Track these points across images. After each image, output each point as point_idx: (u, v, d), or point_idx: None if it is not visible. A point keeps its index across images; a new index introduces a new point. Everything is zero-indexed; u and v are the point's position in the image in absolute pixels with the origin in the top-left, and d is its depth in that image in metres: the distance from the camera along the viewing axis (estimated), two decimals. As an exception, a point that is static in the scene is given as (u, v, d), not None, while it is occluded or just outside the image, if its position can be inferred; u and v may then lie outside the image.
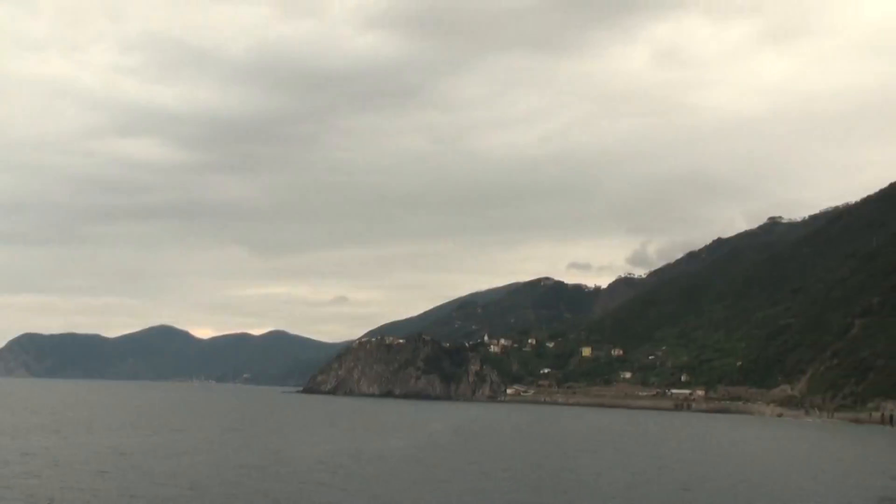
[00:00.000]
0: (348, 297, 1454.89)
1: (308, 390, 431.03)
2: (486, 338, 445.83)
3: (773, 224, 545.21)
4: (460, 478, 64.67)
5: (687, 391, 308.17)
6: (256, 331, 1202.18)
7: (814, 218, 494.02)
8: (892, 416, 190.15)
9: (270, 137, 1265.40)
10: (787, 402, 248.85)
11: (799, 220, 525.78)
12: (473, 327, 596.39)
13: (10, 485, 53.11)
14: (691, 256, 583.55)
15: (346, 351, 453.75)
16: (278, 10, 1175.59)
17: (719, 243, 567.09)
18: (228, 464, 69.99)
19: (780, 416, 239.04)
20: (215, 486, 55.36)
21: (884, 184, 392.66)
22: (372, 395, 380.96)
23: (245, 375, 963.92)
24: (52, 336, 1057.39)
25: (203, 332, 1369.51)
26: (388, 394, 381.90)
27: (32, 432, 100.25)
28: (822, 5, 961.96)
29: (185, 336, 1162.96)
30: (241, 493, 52.54)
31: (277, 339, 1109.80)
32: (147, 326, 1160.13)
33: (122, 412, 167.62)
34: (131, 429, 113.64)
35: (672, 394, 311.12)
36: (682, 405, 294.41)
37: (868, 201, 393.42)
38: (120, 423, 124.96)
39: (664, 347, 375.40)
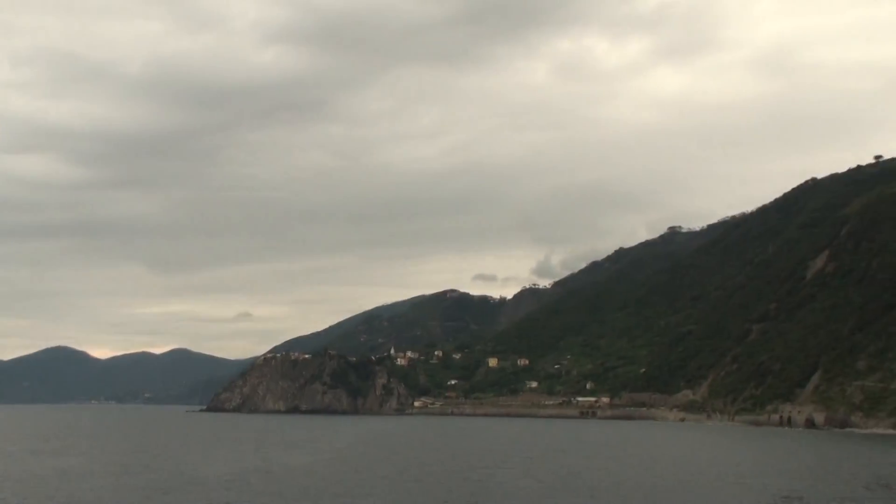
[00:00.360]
0: (252, 313, 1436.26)
1: (212, 409, 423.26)
2: (392, 351, 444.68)
3: (673, 234, 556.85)
4: (369, 492, 63.87)
5: (592, 399, 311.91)
6: (158, 349, 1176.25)
7: (712, 227, 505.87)
8: (789, 418, 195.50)
9: (170, 153, 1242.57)
10: (690, 407, 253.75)
11: (697, 229, 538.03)
12: (380, 341, 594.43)
13: None
14: (594, 266, 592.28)
15: (250, 367, 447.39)
16: (176, 24, 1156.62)
17: (621, 253, 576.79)
18: (133, 486, 67.94)
19: (682, 420, 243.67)
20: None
21: (778, 194, 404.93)
22: (278, 412, 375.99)
23: (147, 395, 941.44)
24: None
25: (102, 352, 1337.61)
26: (294, 410, 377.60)
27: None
28: (718, 22, 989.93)
29: (83, 356, 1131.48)
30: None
31: (179, 358, 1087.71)
32: (43, 347, 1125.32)
33: (19, 437, 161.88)
34: (30, 454, 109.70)
35: (578, 402, 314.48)
36: (587, 413, 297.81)
37: (763, 211, 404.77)
38: (17, 449, 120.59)
39: (569, 356, 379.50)
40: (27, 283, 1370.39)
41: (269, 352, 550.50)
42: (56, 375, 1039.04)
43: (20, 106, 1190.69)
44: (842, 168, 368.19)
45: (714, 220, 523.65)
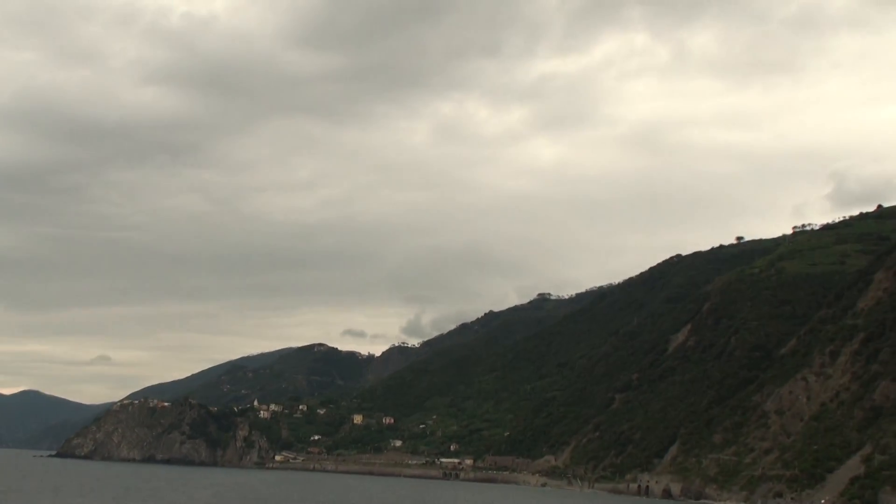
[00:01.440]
0: (111, 357, 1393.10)
1: (62, 454, 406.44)
2: (255, 403, 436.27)
3: (543, 300, 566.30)
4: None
5: (456, 460, 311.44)
6: (6, 390, 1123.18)
7: (580, 296, 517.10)
8: (647, 487, 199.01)
9: (37, 186, 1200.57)
10: (552, 473, 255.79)
11: (566, 297, 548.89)
12: (243, 392, 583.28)
13: None
14: (464, 328, 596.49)
15: (105, 413, 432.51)
16: (51, 56, 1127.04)
17: (491, 316, 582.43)
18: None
19: (544, 485, 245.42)
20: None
21: (644, 268, 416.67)
22: (132, 461, 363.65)
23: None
24: None
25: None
26: (150, 458, 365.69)
27: None
28: (595, 97, 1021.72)
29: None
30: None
31: (30, 399, 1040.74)
32: None
33: None
34: None
35: (441, 462, 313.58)
36: (450, 474, 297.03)
37: (629, 283, 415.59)
38: None
39: (435, 416, 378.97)
40: None
41: (127, 398, 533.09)
42: None
43: None
44: (705, 246, 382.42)
45: (582, 290, 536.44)
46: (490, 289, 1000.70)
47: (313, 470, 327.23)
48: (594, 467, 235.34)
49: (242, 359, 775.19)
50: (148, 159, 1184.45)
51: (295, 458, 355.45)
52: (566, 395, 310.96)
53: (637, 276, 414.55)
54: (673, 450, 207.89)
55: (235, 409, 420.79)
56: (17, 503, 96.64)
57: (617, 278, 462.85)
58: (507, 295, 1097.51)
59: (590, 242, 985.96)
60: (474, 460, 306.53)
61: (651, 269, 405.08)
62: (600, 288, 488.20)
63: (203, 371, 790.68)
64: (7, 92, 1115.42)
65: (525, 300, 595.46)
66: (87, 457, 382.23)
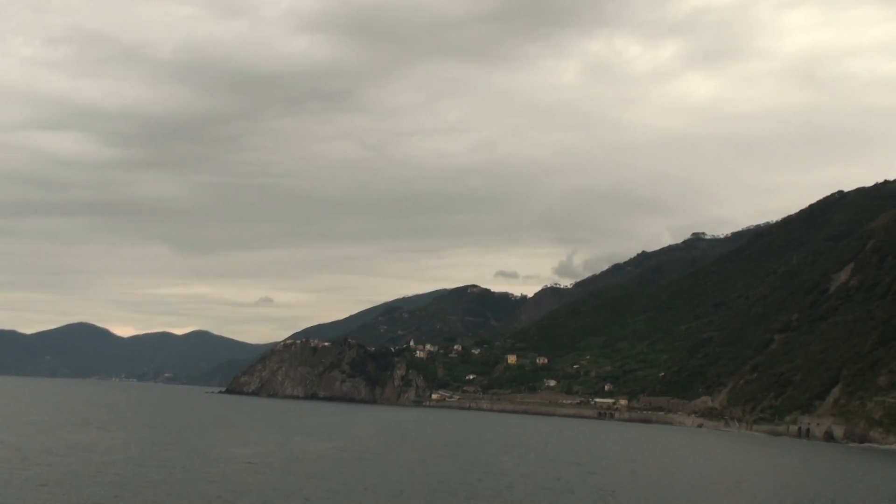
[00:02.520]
0: (273, 299, 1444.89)
1: (231, 391, 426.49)
2: (411, 343, 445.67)
3: (697, 240, 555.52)
4: (387, 480, 64.68)
5: (610, 400, 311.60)
6: (179, 330, 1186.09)
7: (736, 235, 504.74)
8: (808, 430, 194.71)
9: (198, 136, 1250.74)
10: (708, 414, 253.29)
11: (721, 236, 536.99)
12: (399, 332, 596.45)
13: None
14: (617, 269, 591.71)
15: (270, 352, 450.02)
16: (209, 10, 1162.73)
17: (644, 257, 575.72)
18: (155, 463, 69.00)
19: (700, 426, 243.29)
20: (142, 485, 54.55)
21: (803, 205, 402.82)
22: (296, 398, 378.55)
23: (167, 375, 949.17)
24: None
25: (124, 331, 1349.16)
26: (312, 396, 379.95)
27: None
28: (751, 30, 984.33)
29: (106, 334, 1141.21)
30: (169, 492, 51.84)
31: (200, 339, 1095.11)
32: (66, 323, 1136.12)
33: (43, 409, 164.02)
34: (53, 427, 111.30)
35: (595, 402, 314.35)
36: (605, 414, 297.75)
37: (788, 221, 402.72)
38: (41, 421, 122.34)
39: (588, 357, 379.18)
40: (52, 259, 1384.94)
41: (289, 338, 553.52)
42: (78, 351, 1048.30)
43: (52, 84, 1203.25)
44: (868, 182, 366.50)
45: (738, 229, 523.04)
46: (642, 229, 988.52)
47: (469, 408, 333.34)
48: (752, 409, 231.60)
49: (398, 300, 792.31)
50: (301, 107, 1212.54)
51: (451, 397, 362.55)
52: (723, 336, 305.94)
53: (796, 213, 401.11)
54: (835, 392, 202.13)
55: (392, 349, 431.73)
56: (199, 433, 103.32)
57: (774, 216, 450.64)
58: (660, 235, 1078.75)
59: (746, 180, 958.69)
60: (629, 401, 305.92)
61: (811, 206, 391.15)
62: (757, 226, 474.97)
63: (360, 312, 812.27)
64: (168, 46, 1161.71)
65: (678, 240, 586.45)
66: (253, 394, 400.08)
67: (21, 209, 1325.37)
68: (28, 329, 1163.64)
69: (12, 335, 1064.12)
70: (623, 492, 65.88)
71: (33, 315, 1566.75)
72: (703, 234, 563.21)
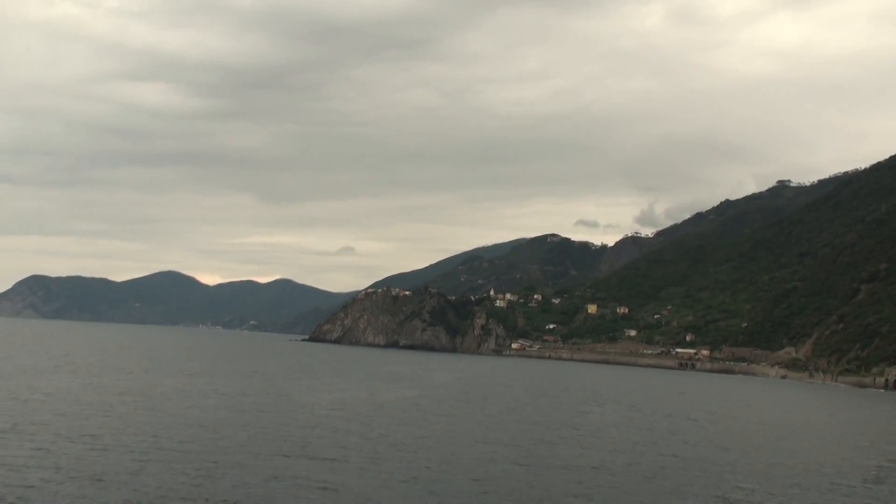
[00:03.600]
0: (355, 248, 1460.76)
1: (314, 338, 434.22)
2: (491, 292, 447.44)
3: (782, 188, 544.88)
4: (471, 428, 65.97)
5: (692, 350, 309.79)
6: (263, 279, 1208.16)
7: (823, 183, 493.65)
8: (895, 382, 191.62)
9: (279, 86, 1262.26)
10: (792, 365, 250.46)
11: (808, 184, 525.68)
12: (479, 282, 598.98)
13: (38, 421, 54.47)
14: (699, 217, 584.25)
15: (352, 301, 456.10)
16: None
17: (727, 205, 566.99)
18: (246, 408, 71.39)
19: (783, 377, 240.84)
20: (232, 429, 56.67)
21: (893, 150, 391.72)
22: (377, 346, 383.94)
23: (252, 322, 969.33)
24: (59, 278, 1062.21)
25: (210, 279, 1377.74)
26: (393, 344, 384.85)
27: (52, 373, 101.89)
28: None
29: (192, 282, 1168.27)
30: (258, 436, 53.83)
31: (284, 288, 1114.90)
32: (154, 271, 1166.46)
33: (136, 355, 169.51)
34: (148, 372, 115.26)
35: (677, 353, 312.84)
36: (686, 364, 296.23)
37: (877, 168, 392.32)
38: (135, 367, 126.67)
39: (669, 307, 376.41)
40: (141, 209, 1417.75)
41: (370, 287, 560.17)
42: (166, 299, 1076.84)
43: (138, 35, 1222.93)
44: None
45: (825, 176, 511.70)
46: (726, 177, 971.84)
47: (549, 358, 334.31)
48: (837, 360, 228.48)
49: (477, 249, 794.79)
50: (380, 55, 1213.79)
51: (531, 346, 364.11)
52: (808, 286, 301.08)
53: (886, 160, 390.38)
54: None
55: (472, 298, 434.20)
56: (286, 380, 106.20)
57: (863, 163, 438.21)
58: (744, 183, 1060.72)
59: (833, 126, 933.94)
60: (710, 351, 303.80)
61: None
62: (845, 174, 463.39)
63: (440, 261, 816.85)
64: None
65: (763, 188, 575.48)
66: (336, 341, 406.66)
67: (110, 160, 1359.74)
68: (118, 277, 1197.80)
69: (104, 283, 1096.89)
70: (716, 444, 66.32)
71: (123, 263, 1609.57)
72: (789, 181, 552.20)
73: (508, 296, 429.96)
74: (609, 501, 38.57)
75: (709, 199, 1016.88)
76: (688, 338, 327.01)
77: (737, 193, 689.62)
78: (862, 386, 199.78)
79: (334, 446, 50.96)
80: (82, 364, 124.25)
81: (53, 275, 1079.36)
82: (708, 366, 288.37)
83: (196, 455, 44.45)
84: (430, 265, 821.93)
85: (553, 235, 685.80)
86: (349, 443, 52.88)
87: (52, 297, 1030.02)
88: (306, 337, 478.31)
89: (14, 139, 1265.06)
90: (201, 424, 57.54)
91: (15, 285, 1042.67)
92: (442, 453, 50.57)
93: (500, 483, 41.31)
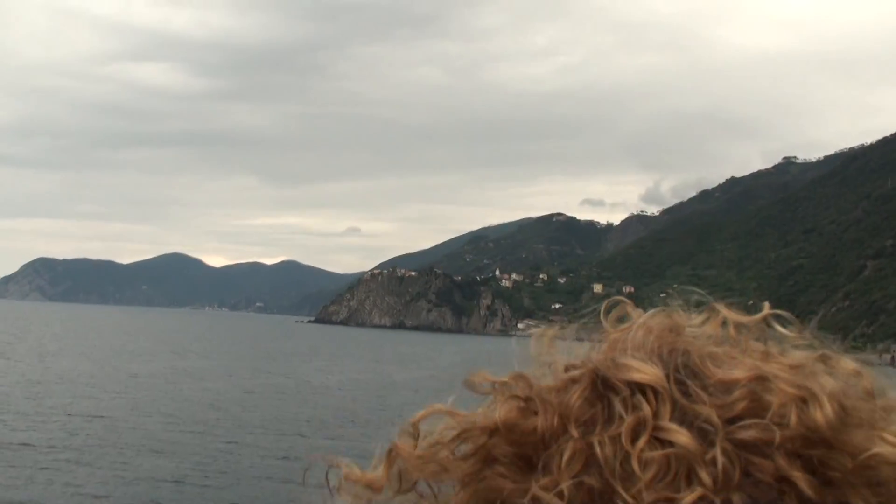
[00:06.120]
0: (360, 229, 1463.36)
1: (320, 320, 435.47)
2: (497, 272, 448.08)
3: (788, 163, 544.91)
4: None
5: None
6: (268, 260, 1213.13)
7: (829, 158, 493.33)
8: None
9: (284, 65, 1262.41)
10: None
11: (814, 160, 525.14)
12: (485, 261, 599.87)
13: (49, 405, 55.06)
14: (705, 195, 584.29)
15: (357, 282, 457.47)
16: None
17: (733, 182, 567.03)
18: (252, 388, 72.01)
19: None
20: (242, 408, 57.26)
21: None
22: (383, 327, 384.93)
23: (258, 304, 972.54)
24: (65, 261, 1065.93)
25: (215, 260, 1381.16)
26: (399, 325, 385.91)
27: (60, 355, 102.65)
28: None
29: (198, 263, 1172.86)
30: (270, 415, 54.41)
31: (289, 269, 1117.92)
32: (160, 253, 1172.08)
33: (144, 337, 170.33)
34: (154, 354, 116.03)
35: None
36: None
37: (884, 143, 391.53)
38: (143, 349, 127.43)
39: (675, 285, 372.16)
40: (145, 190, 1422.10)
41: (376, 267, 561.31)
42: (172, 281, 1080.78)
43: (142, 14, 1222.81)
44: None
45: (831, 151, 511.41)
46: (732, 153, 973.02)
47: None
48: (843, 338, 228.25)
49: (483, 229, 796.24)
50: (386, 34, 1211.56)
51: (537, 326, 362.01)
52: (813, 263, 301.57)
53: (893, 135, 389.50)
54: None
55: (478, 278, 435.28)
56: (295, 361, 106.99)
57: (870, 138, 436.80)
58: (750, 159, 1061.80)
59: (840, 100, 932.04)
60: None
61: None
62: (851, 149, 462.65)
63: (446, 241, 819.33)
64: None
65: (769, 164, 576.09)
66: (342, 323, 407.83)
67: (115, 140, 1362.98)
68: (124, 259, 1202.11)
69: (110, 265, 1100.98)
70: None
71: (129, 245, 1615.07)
72: (795, 157, 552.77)
73: (514, 276, 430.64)
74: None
75: (715, 176, 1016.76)
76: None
77: (743, 170, 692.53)
78: (868, 363, 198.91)
79: (351, 425, 51.48)
80: (93, 346, 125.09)
81: (60, 257, 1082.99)
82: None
83: (214, 436, 45.02)
84: (436, 245, 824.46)
85: (559, 214, 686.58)
86: (366, 421, 53.42)
87: (58, 279, 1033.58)
88: (313, 318, 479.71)
89: (19, 120, 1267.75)
90: (216, 406, 58.10)
91: (21, 268, 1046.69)
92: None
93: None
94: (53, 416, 49.54)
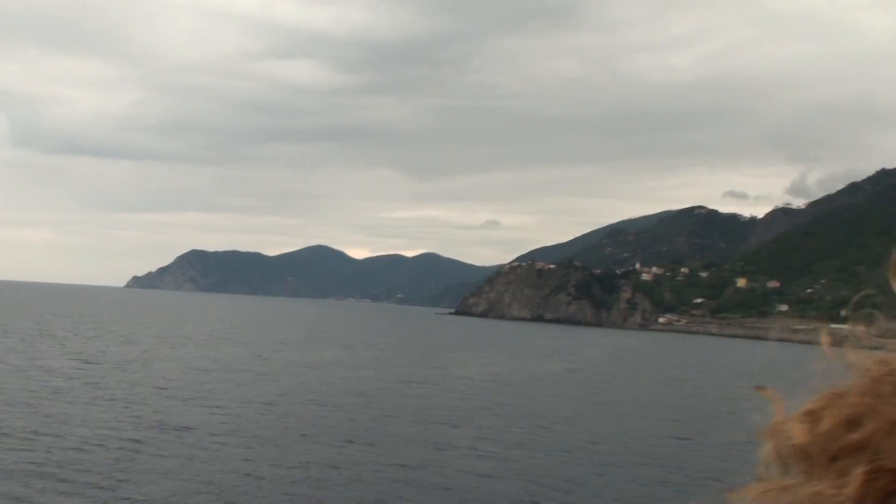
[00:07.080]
0: (499, 222, 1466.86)
1: (460, 312, 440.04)
2: (637, 265, 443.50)
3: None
4: (622, 400, 67.32)
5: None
6: (409, 252, 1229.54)
7: None
8: None
9: (423, 59, 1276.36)
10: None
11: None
12: (624, 255, 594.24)
13: (219, 390, 58.70)
14: (854, 187, 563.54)
15: (497, 274, 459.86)
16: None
17: (884, 174, 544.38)
18: (404, 379, 74.51)
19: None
20: (389, 397, 59.69)
21: None
22: (523, 319, 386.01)
23: (399, 296, 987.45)
24: (216, 253, 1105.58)
25: (358, 253, 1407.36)
26: (538, 318, 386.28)
27: (221, 343, 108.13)
28: None
29: (341, 256, 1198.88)
30: (416, 405, 56.55)
31: (429, 261, 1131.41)
32: (305, 245, 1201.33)
33: (295, 328, 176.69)
34: (307, 344, 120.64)
35: (832, 329, 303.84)
36: (842, 341, 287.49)
37: None
38: (296, 338, 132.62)
39: (823, 281, 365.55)
40: (290, 184, 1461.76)
41: (515, 260, 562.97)
42: (317, 272, 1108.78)
43: (286, 12, 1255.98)
44: None
45: None
46: (883, 143, 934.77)
47: (696, 333, 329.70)
48: None
49: (622, 222, 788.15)
50: (524, 26, 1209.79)
51: (678, 321, 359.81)
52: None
53: None
54: None
55: (618, 271, 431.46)
56: (439, 352, 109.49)
57: None
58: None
59: None
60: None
61: None
62: None
63: (584, 234, 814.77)
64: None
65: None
66: (481, 315, 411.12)
67: (261, 136, 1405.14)
68: (271, 251, 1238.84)
69: (257, 257, 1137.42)
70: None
71: (275, 238, 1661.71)
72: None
73: (655, 269, 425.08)
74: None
75: (864, 167, 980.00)
76: (843, 313, 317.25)
77: (894, 161, 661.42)
78: None
79: (497, 417, 53.21)
80: (247, 335, 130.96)
81: (211, 249, 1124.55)
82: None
83: (359, 423, 47.26)
84: (574, 238, 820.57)
85: (700, 207, 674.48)
86: (511, 414, 55.06)
87: (210, 270, 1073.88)
88: (452, 310, 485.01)
89: (170, 117, 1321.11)
90: (363, 394, 60.66)
91: (176, 259, 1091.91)
92: (600, 426, 52.24)
93: (659, 458, 42.64)
94: (214, 401, 52.97)
